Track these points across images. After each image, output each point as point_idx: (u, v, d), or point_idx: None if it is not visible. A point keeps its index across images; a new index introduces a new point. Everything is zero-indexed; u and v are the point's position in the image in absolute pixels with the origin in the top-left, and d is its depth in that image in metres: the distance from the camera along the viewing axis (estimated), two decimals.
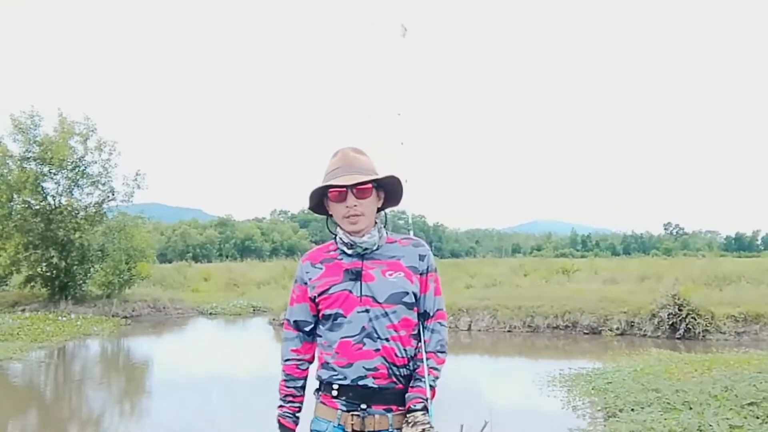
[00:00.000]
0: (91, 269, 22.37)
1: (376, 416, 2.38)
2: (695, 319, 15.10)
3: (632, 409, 7.68)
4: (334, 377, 2.42)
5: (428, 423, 2.33)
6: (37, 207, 21.18)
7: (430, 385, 2.40)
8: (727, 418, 6.60)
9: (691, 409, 7.21)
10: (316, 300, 2.47)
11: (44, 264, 21.32)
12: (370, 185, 2.43)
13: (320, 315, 2.49)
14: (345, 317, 2.40)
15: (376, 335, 2.38)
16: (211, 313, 22.80)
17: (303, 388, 2.58)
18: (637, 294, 17.60)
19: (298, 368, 2.56)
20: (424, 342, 2.47)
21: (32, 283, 22.04)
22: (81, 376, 12.63)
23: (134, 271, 22.45)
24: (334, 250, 2.51)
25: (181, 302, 23.50)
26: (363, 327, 2.38)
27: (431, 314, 2.50)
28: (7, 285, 23.28)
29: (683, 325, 15.13)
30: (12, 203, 20.98)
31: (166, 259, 53.43)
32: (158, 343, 17.93)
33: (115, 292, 22.01)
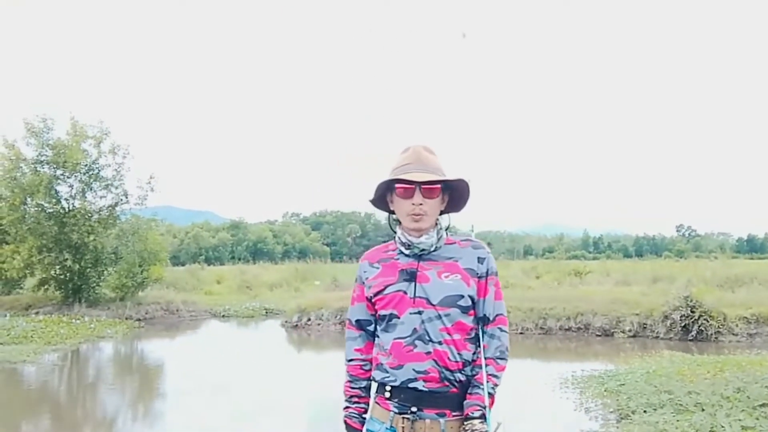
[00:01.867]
0: (105, 272, 22.55)
1: (427, 421, 2.35)
2: (708, 321, 15.04)
3: (645, 411, 7.67)
4: (386, 378, 2.41)
5: (485, 431, 2.31)
6: (51, 210, 21.32)
7: (489, 393, 2.37)
8: (740, 420, 6.60)
9: (703, 410, 7.20)
10: (373, 300, 2.47)
11: (58, 267, 21.45)
12: (438, 185, 2.42)
13: (377, 315, 2.49)
14: (399, 318, 2.39)
15: (427, 338, 2.35)
16: (223, 316, 22.86)
17: (368, 389, 2.54)
18: (649, 296, 17.54)
19: (362, 369, 2.53)
20: (483, 348, 2.43)
21: (46, 286, 22.21)
22: (94, 379, 12.72)
23: (147, 274, 22.57)
24: (393, 250, 2.51)
25: (194, 305, 23.56)
26: (414, 329, 2.36)
27: (491, 319, 2.45)
28: (21, 288, 23.44)
29: (696, 326, 15.08)
30: (25, 206, 21.15)
31: (179, 262, 53.65)
32: (171, 345, 18.03)
33: (129, 295, 22.14)
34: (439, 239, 2.46)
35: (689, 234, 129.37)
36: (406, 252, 2.45)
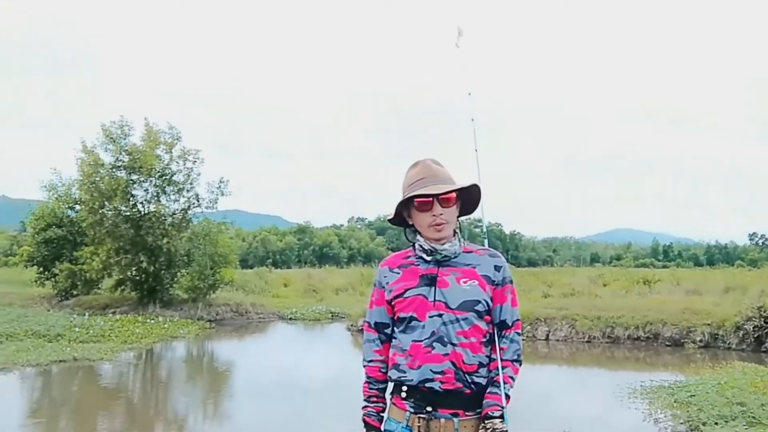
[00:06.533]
0: (178, 274, 23.07)
1: (442, 420, 2.44)
2: None
3: (716, 423, 7.56)
4: (403, 378, 2.49)
5: (505, 430, 2.39)
6: (127, 213, 21.96)
7: (506, 394, 2.45)
8: None
9: None
10: (393, 303, 2.55)
11: (134, 268, 22.11)
12: (454, 194, 2.52)
13: (395, 317, 2.56)
14: (419, 321, 2.47)
15: (446, 340, 2.43)
16: (291, 318, 23.08)
17: (385, 390, 2.64)
18: (721, 306, 17.11)
19: (380, 371, 2.62)
20: (501, 350, 2.51)
21: (122, 287, 22.87)
22: (167, 378, 13.12)
23: (218, 276, 22.97)
24: (412, 257, 2.59)
25: (262, 307, 23.88)
26: (434, 331, 2.44)
27: (510, 324, 2.55)
28: (99, 288, 24.13)
29: None
30: (104, 210, 21.83)
31: (247, 265, 54.40)
32: (241, 346, 18.41)
33: (200, 297, 22.55)
34: (459, 246, 2.56)
35: (763, 242, 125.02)
36: (428, 258, 2.54)
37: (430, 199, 2.49)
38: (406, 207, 2.59)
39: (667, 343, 15.89)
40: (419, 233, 2.57)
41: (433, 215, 2.49)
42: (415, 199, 2.52)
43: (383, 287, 2.61)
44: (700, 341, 15.55)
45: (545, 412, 9.41)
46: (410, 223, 2.61)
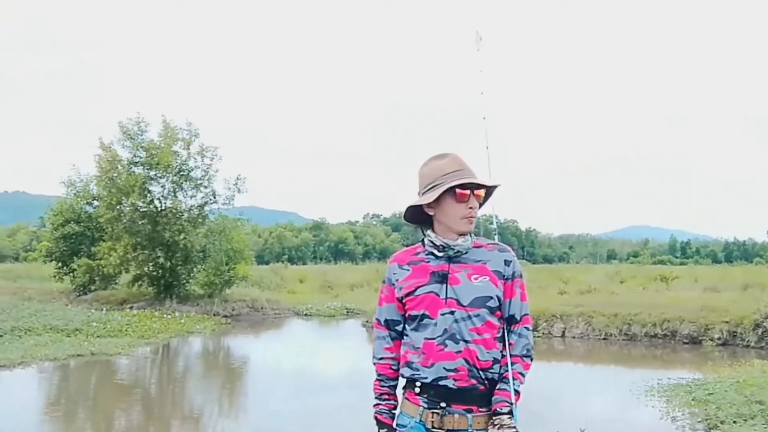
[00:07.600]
0: (194, 269, 23.24)
1: (456, 416, 2.42)
2: None
3: (734, 422, 7.50)
4: (416, 375, 2.48)
5: (514, 427, 2.37)
6: (145, 209, 22.14)
7: (516, 390, 2.43)
8: None
9: None
10: (403, 300, 2.53)
11: (151, 264, 22.35)
12: (483, 190, 2.52)
13: (407, 315, 2.55)
14: (431, 318, 2.45)
15: (458, 337, 2.42)
16: (306, 314, 23.13)
17: (396, 387, 2.63)
18: (739, 303, 16.92)
19: (391, 368, 2.61)
20: (510, 345, 2.49)
21: (140, 282, 23.08)
22: (183, 373, 13.19)
23: (234, 272, 23.07)
24: (422, 253, 2.57)
25: (277, 303, 23.94)
26: (446, 329, 2.42)
27: (518, 319, 2.52)
28: (116, 284, 24.33)
29: None
30: (121, 206, 22.00)
31: (263, 261, 54.54)
32: (256, 342, 18.49)
33: (216, 292, 22.67)
34: (470, 242, 2.53)
35: None
36: (439, 254, 2.51)
37: (468, 192, 2.47)
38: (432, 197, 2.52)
39: (685, 340, 15.76)
40: (432, 228, 2.55)
41: (470, 207, 2.48)
42: (458, 189, 2.47)
43: (393, 284, 2.59)
44: (718, 339, 15.40)
45: (561, 409, 9.37)
46: (431, 213, 2.54)
